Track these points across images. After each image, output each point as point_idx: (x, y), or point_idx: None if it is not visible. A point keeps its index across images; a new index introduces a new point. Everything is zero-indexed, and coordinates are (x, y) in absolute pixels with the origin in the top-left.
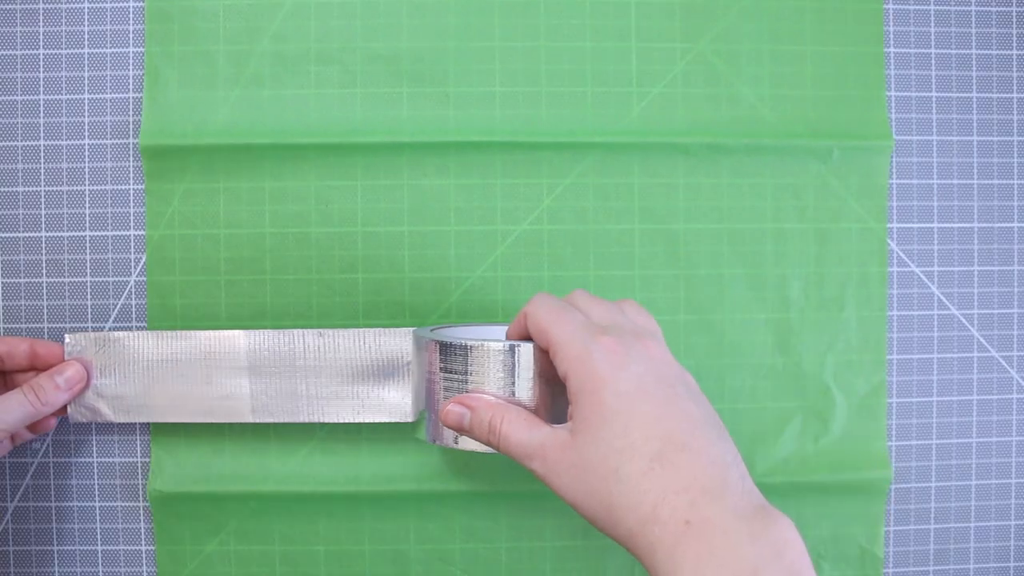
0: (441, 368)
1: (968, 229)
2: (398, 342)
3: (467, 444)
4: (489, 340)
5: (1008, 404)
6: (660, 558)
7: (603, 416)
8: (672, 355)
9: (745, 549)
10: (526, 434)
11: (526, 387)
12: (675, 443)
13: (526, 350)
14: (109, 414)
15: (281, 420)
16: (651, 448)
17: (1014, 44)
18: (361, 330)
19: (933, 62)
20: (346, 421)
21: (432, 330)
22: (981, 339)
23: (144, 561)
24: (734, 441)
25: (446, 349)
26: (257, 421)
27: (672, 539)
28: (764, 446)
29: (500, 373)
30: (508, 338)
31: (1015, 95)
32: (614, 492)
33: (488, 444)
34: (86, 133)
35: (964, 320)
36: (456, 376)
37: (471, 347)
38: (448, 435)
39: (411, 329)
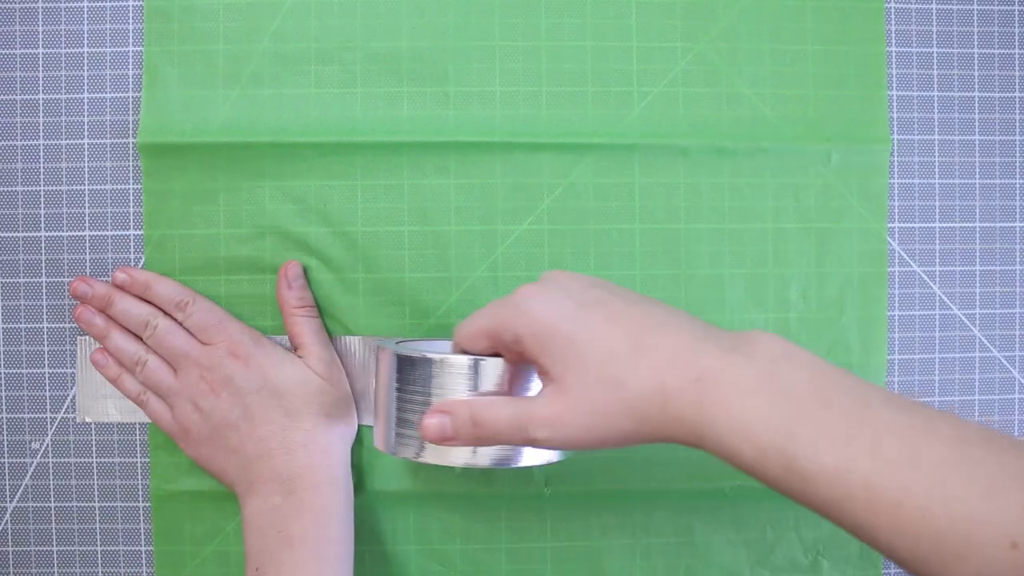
0: (403, 381)
1: (970, 228)
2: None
3: (430, 457)
4: (450, 355)
5: (1010, 404)
6: (692, 423)
7: (572, 344)
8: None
9: (745, 380)
10: (511, 408)
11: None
12: (642, 329)
13: (492, 364)
14: (115, 415)
15: None
16: (625, 344)
17: (1016, 43)
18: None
19: (935, 61)
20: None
21: (398, 343)
22: (983, 339)
23: (143, 562)
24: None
25: (408, 363)
26: None
27: (693, 403)
28: None
29: (464, 388)
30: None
31: (1017, 94)
32: (625, 398)
33: (477, 442)
34: (85, 132)
35: (966, 320)
36: (417, 390)
37: (433, 361)
38: (410, 450)
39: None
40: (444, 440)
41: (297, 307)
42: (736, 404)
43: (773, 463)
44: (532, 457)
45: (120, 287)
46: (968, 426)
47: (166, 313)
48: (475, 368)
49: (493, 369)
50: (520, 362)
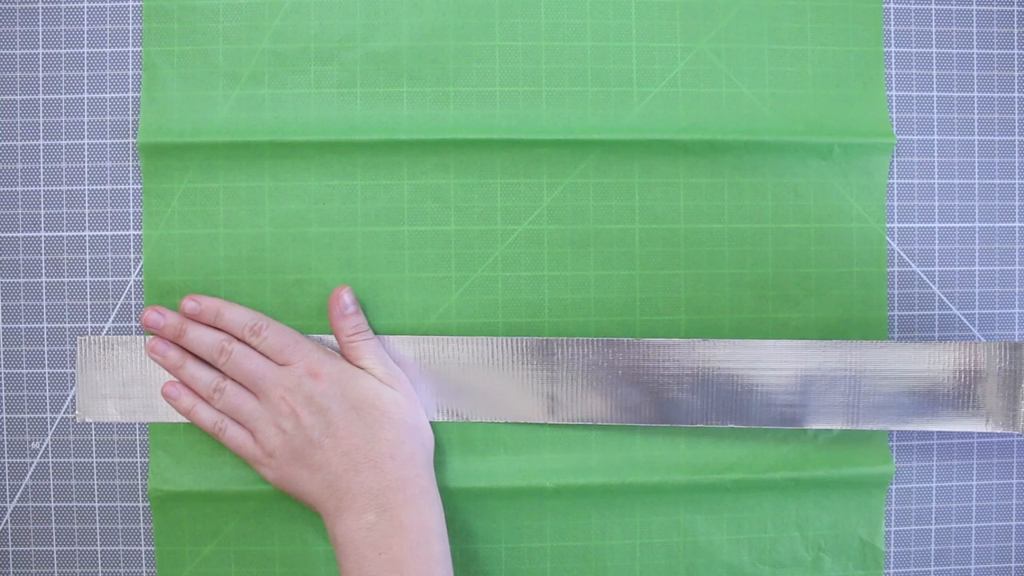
0: None
1: (969, 229)
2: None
3: None
4: None
5: None
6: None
7: None
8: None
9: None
10: None
11: None
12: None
13: None
14: (116, 415)
15: None
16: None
17: (1015, 43)
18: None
19: (934, 61)
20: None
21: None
22: (982, 339)
23: (144, 561)
24: None
25: None
26: None
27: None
28: (764, 442)
29: None
30: None
31: (1016, 94)
32: None
33: None
34: (85, 133)
35: (965, 320)
36: None
37: None
38: None
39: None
40: None
41: (353, 335)
42: None
43: None
44: None
45: (190, 316)
46: None
47: (237, 338)
48: None
49: None
50: None
